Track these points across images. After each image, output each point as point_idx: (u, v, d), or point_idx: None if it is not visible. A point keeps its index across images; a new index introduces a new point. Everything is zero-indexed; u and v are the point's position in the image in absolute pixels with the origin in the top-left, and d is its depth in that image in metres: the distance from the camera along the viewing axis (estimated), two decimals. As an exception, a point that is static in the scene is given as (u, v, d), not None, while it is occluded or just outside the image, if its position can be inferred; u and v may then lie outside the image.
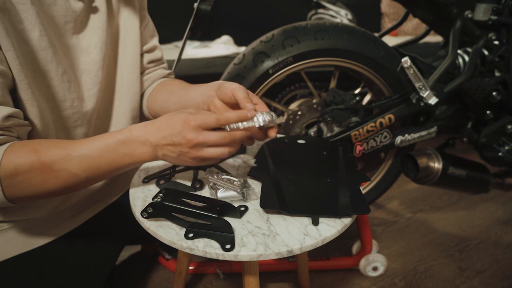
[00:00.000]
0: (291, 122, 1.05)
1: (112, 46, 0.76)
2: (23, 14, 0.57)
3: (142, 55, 0.84)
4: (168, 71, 0.90)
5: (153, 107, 0.84)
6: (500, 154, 1.10)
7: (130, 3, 0.77)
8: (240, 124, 0.56)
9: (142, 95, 0.87)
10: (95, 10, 0.71)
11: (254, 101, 0.60)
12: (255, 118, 0.56)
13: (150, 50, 0.86)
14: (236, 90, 0.60)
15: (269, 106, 1.26)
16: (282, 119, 1.06)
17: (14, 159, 0.52)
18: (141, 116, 0.88)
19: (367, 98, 1.14)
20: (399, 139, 1.05)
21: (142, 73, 0.86)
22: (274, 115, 0.59)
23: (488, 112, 1.05)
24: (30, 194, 0.55)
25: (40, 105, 0.61)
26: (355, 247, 1.16)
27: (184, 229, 0.55)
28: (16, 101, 0.59)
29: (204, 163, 0.58)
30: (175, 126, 0.54)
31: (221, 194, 0.63)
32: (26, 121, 0.59)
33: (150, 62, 0.87)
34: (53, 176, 0.54)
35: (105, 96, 0.77)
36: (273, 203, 0.59)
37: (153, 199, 0.57)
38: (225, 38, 1.96)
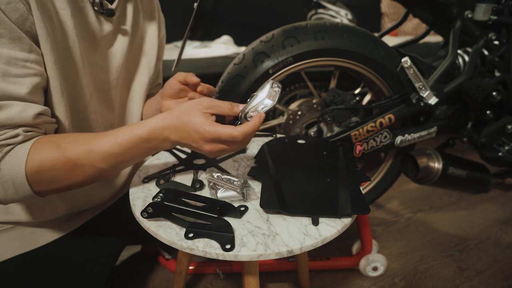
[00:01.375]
0: (291, 122, 1.05)
1: (129, 70, 0.80)
2: (64, 24, 0.60)
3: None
4: None
5: None
6: (500, 154, 1.10)
7: (153, 31, 0.84)
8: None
9: None
10: (121, 32, 0.74)
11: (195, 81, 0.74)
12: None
13: (155, 89, 0.94)
14: (183, 76, 0.73)
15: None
16: (282, 119, 1.06)
17: (39, 156, 0.54)
18: None
19: (367, 98, 1.14)
20: (399, 139, 1.05)
21: None
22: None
23: (488, 112, 1.05)
24: (57, 187, 0.58)
25: (62, 110, 0.63)
26: (355, 247, 1.16)
27: (184, 229, 0.55)
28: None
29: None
30: (191, 134, 0.57)
31: (221, 194, 0.63)
32: (53, 119, 0.61)
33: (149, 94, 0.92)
34: (80, 171, 0.57)
35: (119, 116, 0.80)
36: (273, 203, 0.59)
37: (153, 199, 0.57)
38: (225, 38, 1.95)
